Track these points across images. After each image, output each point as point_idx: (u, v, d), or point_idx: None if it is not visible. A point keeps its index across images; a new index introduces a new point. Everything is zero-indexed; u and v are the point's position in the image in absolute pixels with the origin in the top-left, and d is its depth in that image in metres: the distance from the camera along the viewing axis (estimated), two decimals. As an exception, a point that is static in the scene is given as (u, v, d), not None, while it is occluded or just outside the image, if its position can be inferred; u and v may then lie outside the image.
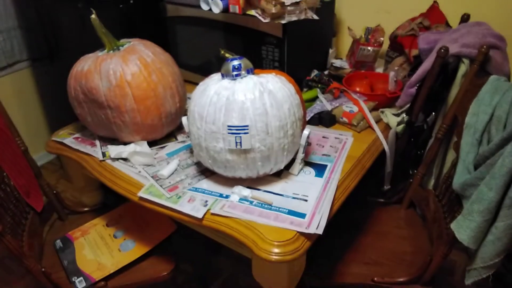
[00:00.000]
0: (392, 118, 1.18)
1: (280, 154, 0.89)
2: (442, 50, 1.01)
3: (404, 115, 1.15)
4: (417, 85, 1.14)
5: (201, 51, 1.45)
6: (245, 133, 0.83)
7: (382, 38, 1.40)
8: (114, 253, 1.08)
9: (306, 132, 0.92)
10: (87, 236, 1.15)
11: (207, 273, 1.54)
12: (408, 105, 1.17)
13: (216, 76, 0.91)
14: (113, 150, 1.04)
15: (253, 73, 0.89)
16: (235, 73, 0.87)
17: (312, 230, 0.81)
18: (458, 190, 0.95)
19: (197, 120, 0.87)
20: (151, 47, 1.06)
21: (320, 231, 0.81)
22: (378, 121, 1.19)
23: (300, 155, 0.95)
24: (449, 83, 1.10)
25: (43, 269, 0.97)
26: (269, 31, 1.20)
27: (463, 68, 1.06)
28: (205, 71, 1.46)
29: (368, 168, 1.05)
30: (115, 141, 1.12)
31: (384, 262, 1.08)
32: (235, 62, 0.87)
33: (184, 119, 0.96)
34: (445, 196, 1.09)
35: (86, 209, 1.28)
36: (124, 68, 0.98)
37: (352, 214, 1.24)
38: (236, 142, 0.84)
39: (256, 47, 1.25)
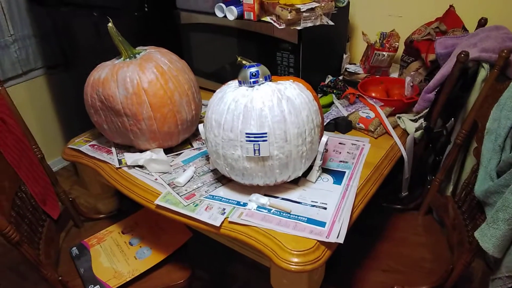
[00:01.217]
0: (410, 123, 1.16)
1: (299, 161, 0.88)
2: (462, 55, 0.99)
3: (422, 121, 1.14)
4: (435, 90, 1.12)
5: (216, 57, 1.45)
6: (263, 140, 0.82)
7: (397, 43, 1.39)
8: (130, 260, 1.08)
9: (324, 139, 0.91)
10: (103, 244, 1.15)
11: (222, 279, 1.53)
12: (426, 111, 1.16)
13: (233, 83, 0.91)
14: (130, 158, 1.04)
15: (271, 80, 0.89)
16: (252, 80, 0.86)
17: (332, 239, 0.79)
18: (480, 197, 0.93)
19: (215, 127, 0.86)
20: (167, 54, 1.06)
21: (341, 240, 0.79)
22: (395, 126, 1.18)
23: (318, 162, 0.94)
24: (468, 88, 1.08)
25: (60, 278, 0.97)
26: (284, 37, 1.19)
27: (483, 73, 1.05)
28: (220, 78, 1.47)
29: (386, 174, 1.04)
30: (131, 148, 1.12)
31: (403, 270, 1.06)
32: (253, 69, 0.86)
33: (200, 126, 0.96)
34: (465, 203, 1.07)
35: (101, 216, 1.28)
36: (141, 76, 0.98)
37: (368, 220, 1.22)
38: (255, 150, 0.83)
39: (271, 53, 1.25)
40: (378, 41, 1.40)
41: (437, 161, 1.19)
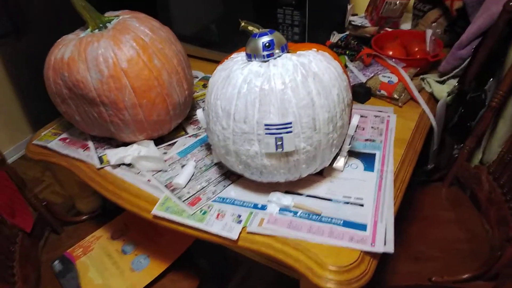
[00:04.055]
0: (438, 86, 1.00)
1: (328, 151, 0.71)
2: (511, 4, 0.82)
3: (456, 83, 0.97)
4: (468, 45, 0.95)
5: (198, 17, 1.22)
6: (287, 132, 0.64)
7: (410, -11, 1.19)
8: (126, 273, 0.92)
9: (355, 120, 0.74)
10: (90, 254, 0.97)
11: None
12: (457, 70, 0.99)
13: (239, 57, 0.71)
14: (113, 155, 0.85)
15: (288, 51, 0.70)
16: (266, 53, 0.67)
17: (379, 247, 0.65)
18: (534, 174, 0.80)
19: (222, 117, 0.68)
20: (147, 21, 0.83)
21: (390, 248, 0.65)
22: (420, 90, 1.01)
23: (347, 147, 0.78)
24: (508, 41, 0.92)
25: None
26: (286, -10, 0.98)
27: (528, 23, 0.88)
28: (205, 42, 1.24)
29: (420, 151, 0.89)
30: (113, 140, 0.92)
31: (438, 255, 0.95)
32: (265, 38, 0.66)
33: (200, 113, 0.77)
34: (504, 175, 0.94)
35: (83, 217, 1.10)
36: (117, 52, 0.76)
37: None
38: (277, 145, 0.65)
39: (270, 10, 1.03)
40: (389, -13, 1.20)
41: (467, 128, 1.05)
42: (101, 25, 0.82)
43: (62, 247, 1.01)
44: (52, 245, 1.04)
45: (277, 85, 0.64)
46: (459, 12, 1.06)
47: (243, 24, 0.72)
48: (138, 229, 1.02)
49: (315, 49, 0.69)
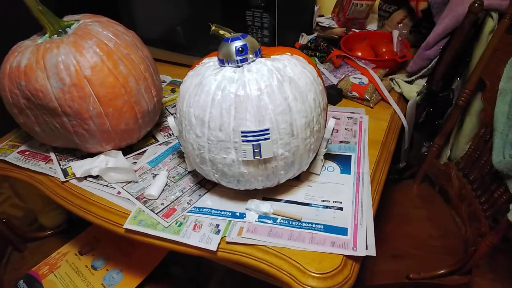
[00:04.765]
0: (407, 86, 1.01)
1: (306, 156, 0.70)
2: (476, 4, 0.84)
3: (424, 83, 0.99)
4: (435, 46, 0.97)
5: (163, 19, 1.18)
6: (265, 139, 0.62)
7: (376, -10, 1.21)
8: (97, 291, 0.87)
9: (331, 123, 0.73)
10: (57, 271, 0.92)
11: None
12: (424, 70, 1.01)
13: (211, 62, 0.69)
14: (78, 167, 0.80)
15: (262, 55, 0.68)
16: (239, 58, 0.65)
17: (361, 251, 0.64)
18: (503, 170, 0.82)
19: (196, 125, 0.65)
20: (110, 25, 0.79)
21: (372, 251, 0.64)
22: (390, 91, 1.02)
23: (323, 151, 0.77)
24: (473, 42, 0.94)
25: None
26: (255, -8, 0.96)
27: (490, 24, 0.90)
28: (170, 45, 1.20)
29: (393, 151, 0.89)
30: (77, 151, 0.87)
31: (414, 252, 0.96)
32: (238, 43, 0.64)
33: (171, 121, 0.74)
34: (474, 171, 0.96)
35: (48, 232, 1.03)
36: (79, 59, 0.71)
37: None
38: (254, 152, 0.63)
39: (238, 12, 1.01)
40: (355, -12, 1.20)
41: (435, 126, 1.07)
42: (60, 30, 0.76)
43: (26, 266, 0.94)
44: (15, 263, 0.97)
45: (252, 91, 0.62)
46: (424, 13, 1.08)
47: (214, 28, 0.70)
48: (109, 242, 0.97)
49: (289, 53, 0.68)
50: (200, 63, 0.71)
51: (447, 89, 0.99)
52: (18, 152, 0.89)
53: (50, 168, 0.84)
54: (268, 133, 0.62)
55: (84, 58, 0.72)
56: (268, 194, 0.75)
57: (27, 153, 0.89)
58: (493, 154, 0.86)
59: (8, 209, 1.70)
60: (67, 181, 0.81)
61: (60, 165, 0.84)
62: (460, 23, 0.88)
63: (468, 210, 0.95)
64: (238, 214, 0.72)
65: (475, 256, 0.85)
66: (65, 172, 0.82)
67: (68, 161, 0.85)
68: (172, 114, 0.99)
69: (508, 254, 0.80)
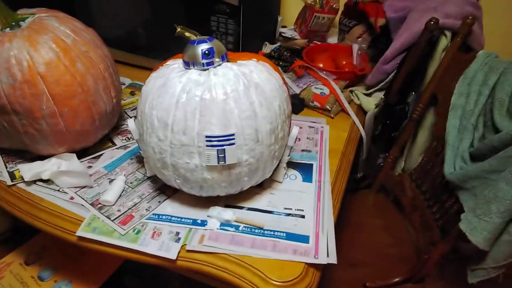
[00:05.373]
0: (366, 99, 1.04)
1: (270, 163, 0.69)
2: (432, 22, 0.88)
3: (382, 96, 1.03)
4: (391, 61, 1.01)
5: (123, 19, 1.14)
6: (230, 144, 0.62)
7: (337, 5, 1.24)
8: (43, 304, 0.81)
9: (295, 131, 0.74)
10: (0, 283, 0.85)
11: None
12: (382, 84, 1.05)
13: (176, 64, 0.67)
14: (27, 170, 0.74)
15: (228, 60, 0.67)
16: (205, 61, 0.63)
17: (322, 259, 0.64)
18: (454, 181, 0.86)
19: (158, 128, 0.63)
20: (68, 21, 0.75)
21: (333, 259, 0.65)
22: (349, 102, 1.05)
23: (286, 158, 0.77)
24: (427, 58, 0.99)
25: None
26: (221, -3, 0.96)
27: (444, 42, 0.96)
28: (130, 46, 1.17)
29: (352, 160, 0.91)
30: (26, 153, 0.81)
31: (370, 261, 0.98)
32: (205, 46, 0.63)
33: (131, 124, 0.71)
34: (426, 182, 1.01)
35: (-11, 241, 0.96)
36: (33, 54, 0.67)
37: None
38: (219, 157, 0.62)
39: (203, 17, 1.00)
40: (318, 1, 1.23)
41: (391, 138, 1.11)
42: (13, 23, 0.72)
43: (-38, 278, 0.86)
44: None
45: (218, 95, 0.61)
46: (382, 29, 1.13)
47: (179, 29, 0.68)
48: (58, 251, 0.91)
49: (255, 59, 0.68)
50: (164, 64, 0.69)
51: (403, 103, 1.03)
52: (-42, 153, 0.82)
53: (-5, 170, 0.78)
54: (234, 138, 0.61)
55: (38, 53, 0.67)
56: (231, 201, 0.74)
57: (-32, 154, 0.82)
58: (445, 166, 0.90)
59: None
60: (14, 184, 0.75)
61: (6, 167, 0.78)
62: (416, 40, 0.92)
63: (420, 220, 0.99)
64: (199, 221, 0.70)
65: (428, 264, 0.88)
66: (12, 175, 0.77)
67: (16, 163, 0.79)
68: (131, 117, 0.96)
69: (457, 264, 0.85)
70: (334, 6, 1.24)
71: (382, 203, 1.15)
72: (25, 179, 0.74)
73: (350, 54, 1.16)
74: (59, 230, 0.70)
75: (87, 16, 1.16)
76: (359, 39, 1.19)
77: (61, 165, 0.75)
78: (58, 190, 0.74)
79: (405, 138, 1.06)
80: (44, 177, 0.74)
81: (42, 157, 0.78)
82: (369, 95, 1.07)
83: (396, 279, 0.91)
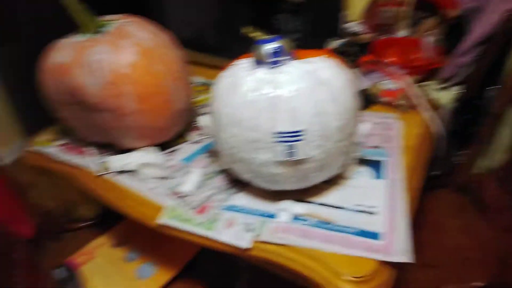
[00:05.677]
0: (441, 93, 1.00)
1: (338, 159, 0.70)
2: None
3: (459, 90, 0.97)
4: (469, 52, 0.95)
5: (194, 21, 1.20)
6: (298, 140, 0.63)
7: (407, -5, 1.19)
8: (131, 282, 0.89)
9: (364, 127, 0.73)
10: (93, 261, 0.95)
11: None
12: (458, 77, 0.99)
13: (245, 63, 0.70)
14: (115, 162, 0.83)
15: (295, 57, 0.68)
16: (273, 59, 0.65)
17: (396, 256, 0.64)
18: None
19: (229, 125, 0.66)
20: (146, 26, 0.82)
21: (408, 257, 0.63)
22: (422, 97, 1.00)
23: (356, 154, 0.77)
24: (508, 49, 0.92)
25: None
26: (287, -5, 0.97)
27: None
28: (200, 46, 1.22)
29: (427, 158, 0.88)
30: (113, 146, 0.89)
31: (445, 262, 0.94)
32: (272, 45, 0.65)
33: (204, 120, 0.76)
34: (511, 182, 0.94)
35: (84, 224, 1.07)
36: (118, 57, 0.74)
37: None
38: (287, 153, 0.64)
39: (267, 16, 1.02)
40: (387, -7, 1.19)
41: (470, 134, 1.05)
42: (98, 29, 0.79)
43: (63, 256, 0.98)
44: (52, 253, 1.01)
45: (286, 92, 0.62)
46: (455, 20, 1.06)
47: (247, 30, 0.71)
48: (143, 235, 0.99)
49: (322, 56, 0.68)
50: (233, 63, 0.72)
51: (481, 97, 0.97)
52: (57, 146, 0.93)
53: (87, 162, 0.87)
54: (302, 135, 0.63)
55: (122, 56, 0.74)
56: (300, 195, 0.75)
57: (66, 146, 0.92)
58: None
59: (45, 201, 1.77)
60: (103, 175, 0.84)
61: (97, 159, 0.87)
62: (496, 30, 0.86)
63: (507, 223, 0.93)
64: (270, 213, 0.72)
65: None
66: (101, 166, 0.85)
67: (104, 155, 0.88)
68: (203, 114, 1.01)
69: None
70: (404, -3, 1.19)
71: (460, 203, 1.09)
72: (112, 170, 0.82)
73: (421, 47, 1.11)
74: (142, 216, 0.76)
75: (162, 20, 1.24)
76: (431, 31, 1.13)
77: (144, 158, 0.82)
78: (141, 181, 0.81)
79: (485, 134, 1.00)
80: (130, 168, 0.82)
81: (127, 151, 0.86)
82: (444, 89, 1.02)
83: (474, 284, 0.86)
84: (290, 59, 0.67)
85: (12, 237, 0.88)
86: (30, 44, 1.25)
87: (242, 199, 0.76)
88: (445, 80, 1.03)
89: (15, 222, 0.88)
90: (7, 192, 0.89)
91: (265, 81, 0.64)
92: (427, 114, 0.96)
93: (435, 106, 1.01)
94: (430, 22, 1.18)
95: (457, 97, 0.97)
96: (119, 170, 0.83)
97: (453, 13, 1.08)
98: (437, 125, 0.95)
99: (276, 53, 0.65)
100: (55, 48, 0.79)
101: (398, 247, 0.65)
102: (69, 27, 0.81)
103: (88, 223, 1.07)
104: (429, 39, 1.09)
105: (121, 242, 0.99)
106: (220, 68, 0.73)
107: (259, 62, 0.66)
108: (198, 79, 1.20)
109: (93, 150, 0.90)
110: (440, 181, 1.12)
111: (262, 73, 0.65)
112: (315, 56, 0.69)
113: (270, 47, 0.65)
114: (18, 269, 0.83)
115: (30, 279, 0.85)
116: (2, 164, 0.95)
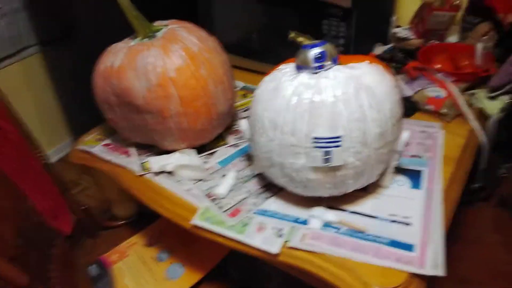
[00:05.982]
0: (489, 103, 0.95)
1: (376, 167, 0.69)
2: None
3: (509, 100, 0.93)
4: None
5: (240, 26, 1.22)
6: (336, 146, 0.63)
7: (459, 1, 1.15)
8: (160, 282, 0.91)
9: (405, 135, 0.72)
10: (126, 260, 0.98)
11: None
12: (509, 86, 0.94)
13: (288, 68, 0.70)
14: (155, 163, 0.85)
15: (339, 63, 0.68)
16: (317, 64, 0.65)
17: (429, 270, 0.62)
18: None
19: (268, 128, 0.67)
20: (195, 31, 0.84)
21: (440, 270, 0.61)
22: (469, 106, 0.97)
23: (394, 163, 0.75)
24: None
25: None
26: (333, 1, 0.96)
27: None
28: (244, 51, 1.24)
29: (469, 170, 0.85)
30: (154, 147, 0.92)
31: (483, 278, 0.90)
32: (317, 50, 0.65)
33: (244, 124, 0.76)
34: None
35: (120, 222, 1.11)
36: (166, 61, 0.77)
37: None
38: (324, 158, 0.64)
39: (315, 21, 1.02)
40: (437, -1, 1.16)
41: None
42: (150, 34, 0.83)
43: (97, 253, 1.02)
44: (87, 249, 1.05)
45: (328, 98, 0.62)
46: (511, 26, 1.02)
47: (293, 34, 0.71)
48: (174, 237, 1.02)
49: (367, 61, 0.68)
50: (276, 68, 0.73)
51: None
52: (103, 145, 0.97)
53: (130, 161, 0.90)
54: (340, 140, 0.62)
55: (170, 60, 0.77)
56: (334, 202, 0.74)
57: (110, 146, 0.96)
58: None
59: (84, 198, 1.85)
60: (143, 174, 0.87)
61: (138, 159, 0.90)
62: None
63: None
64: (302, 220, 0.72)
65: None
66: (142, 167, 0.88)
67: (146, 156, 0.91)
68: (243, 118, 1.02)
69: None
70: (456, 2, 1.16)
71: (502, 218, 1.04)
72: (153, 170, 0.85)
73: (472, 53, 1.07)
74: (177, 216, 0.78)
75: (210, 25, 1.27)
76: (484, 38, 1.09)
77: (182, 159, 0.84)
78: (178, 182, 0.83)
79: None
80: (168, 169, 0.84)
81: (167, 152, 0.89)
82: (493, 98, 0.98)
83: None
84: (333, 64, 0.66)
85: (52, 233, 0.92)
86: (83, 48, 1.32)
87: (274, 204, 0.76)
88: (494, 89, 0.98)
89: (56, 218, 0.92)
90: (52, 189, 0.93)
91: (308, 86, 0.64)
92: (472, 124, 0.92)
93: (481, 115, 0.97)
94: (483, 27, 1.14)
95: (505, 107, 0.93)
96: (158, 170, 0.85)
97: (509, 18, 1.03)
98: (481, 136, 0.91)
99: (320, 58, 0.65)
100: (109, 51, 0.83)
101: (431, 260, 0.63)
102: (125, 32, 0.85)
103: (125, 221, 1.11)
104: (481, 45, 1.05)
105: (153, 242, 1.01)
106: (262, 73, 0.74)
107: (302, 67, 0.67)
108: (241, 83, 1.22)
109: (135, 150, 0.93)
110: (481, 194, 1.07)
111: (305, 78, 0.65)
112: (358, 62, 0.68)
113: (314, 52, 0.65)
114: (55, 265, 0.87)
115: (65, 275, 0.89)
116: (50, 162, 0.99)
